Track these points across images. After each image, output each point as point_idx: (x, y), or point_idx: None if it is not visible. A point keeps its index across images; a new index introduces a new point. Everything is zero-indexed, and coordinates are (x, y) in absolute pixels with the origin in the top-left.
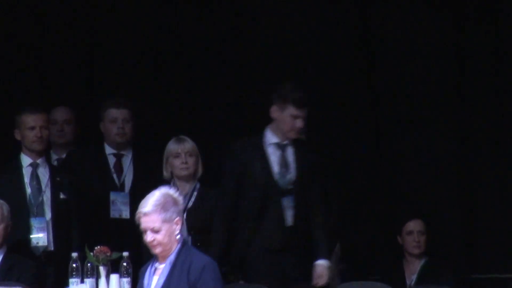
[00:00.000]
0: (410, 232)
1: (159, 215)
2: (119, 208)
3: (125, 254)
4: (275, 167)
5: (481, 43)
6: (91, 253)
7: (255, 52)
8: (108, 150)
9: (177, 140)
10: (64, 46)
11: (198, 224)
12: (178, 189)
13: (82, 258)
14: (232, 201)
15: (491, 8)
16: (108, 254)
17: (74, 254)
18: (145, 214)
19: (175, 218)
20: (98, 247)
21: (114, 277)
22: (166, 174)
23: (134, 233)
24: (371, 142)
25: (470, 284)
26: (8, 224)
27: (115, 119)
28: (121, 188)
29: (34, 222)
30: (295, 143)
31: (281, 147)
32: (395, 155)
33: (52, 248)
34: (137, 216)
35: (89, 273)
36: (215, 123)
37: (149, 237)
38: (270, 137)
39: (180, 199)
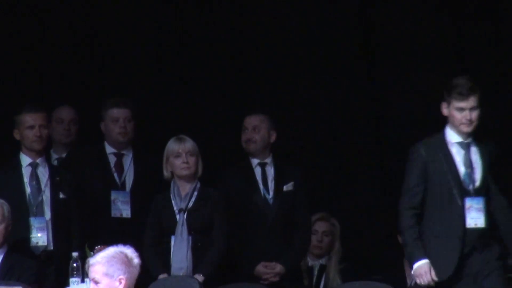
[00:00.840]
0: None
1: (101, 267)
2: (120, 207)
3: None
4: (461, 167)
5: (481, 42)
6: (92, 253)
7: (256, 51)
8: (109, 149)
9: (178, 139)
10: (63, 45)
11: (198, 225)
12: (178, 189)
13: (83, 258)
14: (417, 199)
15: (491, 7)
16: None
17: (75, 254)
18: (91, 264)
19: (118, 276)
20: (99, 246)
21: None
22: (166, 174)
23: (135, 232)
24: (372, 140)
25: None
26: (9, 223)
27: (117, 118)
28: (122, 187)
29: (34, 222)
30: (479, 140)
31: (463, 146)
32: (398, 154)
33: (52, 248)
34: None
35: None
36: (215, 123)
37: (91, 286)
38: (451, 136)
39: (136, 261)
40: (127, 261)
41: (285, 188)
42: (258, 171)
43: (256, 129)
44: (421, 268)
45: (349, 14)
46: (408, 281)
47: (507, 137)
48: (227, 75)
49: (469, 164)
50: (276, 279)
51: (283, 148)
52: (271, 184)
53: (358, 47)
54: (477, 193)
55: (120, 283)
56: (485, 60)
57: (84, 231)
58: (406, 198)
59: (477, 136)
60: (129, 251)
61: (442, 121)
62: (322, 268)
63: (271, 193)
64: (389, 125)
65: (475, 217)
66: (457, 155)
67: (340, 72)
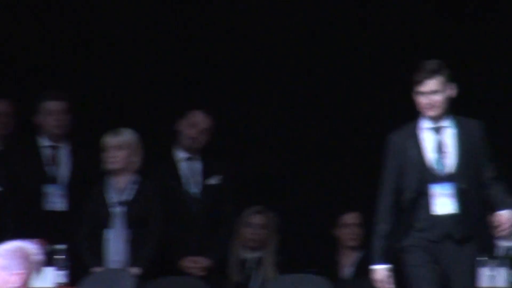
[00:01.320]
0: (346, 225)
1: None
2: (53, 201)
3: (61, 247)
4: (431, 153)
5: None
6: None
7: (194, 45)
8: (44, 142)
9: (109, 133)
10: None
11: (134, 218)
12: (113, 181)
13: None
14: (392, 197)
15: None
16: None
17: None
18: None
19: (14, 270)
20: (33, 240)
21: (49, 270)
22: (103, 166)
23: (70, 226)
24: (316, 136)
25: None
26: None
27: (52, 111)
28: (56, 180)
29: None
30: (460, 123)
31: (435, 130)
32: (337, 151)
33: None
34: None
35: None
36: (157, 115)
37: None
38: (423, 121)
39: (35, 258)
40: (27, 256)
41: (211, 182)
42: (184, 166)
43: (206, 130)
44: (378, 273)
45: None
46: (342, 274)
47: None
48: (169, 68)
49: (440, 149)
50: (203, 273)
51: (214, 143)
52: (197, 178)
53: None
54: (448, 178)
55: (16, 277)
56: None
57: (17, 224)
58: (384, 188)
59: (459, 118)
60: (30, 247)
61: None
62: (257, 261)
63: (197, 187)
64: (335, 120)
65: (444, 203)
66: (428, 140)
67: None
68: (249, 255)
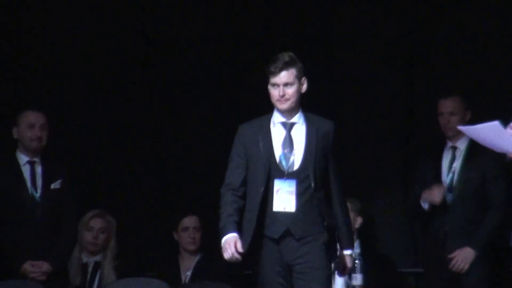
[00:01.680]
0: (186, 228)
1: None
2: None
3: None
4: (278, 148)
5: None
6: None
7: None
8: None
9: None
10: None
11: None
12: None
13: None
14: (237, 180)
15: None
16: None
17: None
18: None
19: None
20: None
21: None
22: None
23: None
24: (146, 139)
25: (243, 280)
26: None
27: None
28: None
29: None
30: (312, 120)
31: (286, 126)
32: (172, 152)
33: None
34: None
35: None
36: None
37: None
38: (276, 115)
39: None
40: None
41: (52, 186)
42: (26, 169)
43: (45, 127)
44: (226, 241)
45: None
46: (183, 277)
47: None
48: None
49: (288, 145)
50: (43, 277)
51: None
52: (39, 182)
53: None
54: (291, 175)
55: None
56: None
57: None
58: (226, 179)
59: (312, 116)
60: None
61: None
62: (97, 265)
63: (39, 191)
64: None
65: (284, 200)
66: (278, 135)
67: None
68: (89, 259)
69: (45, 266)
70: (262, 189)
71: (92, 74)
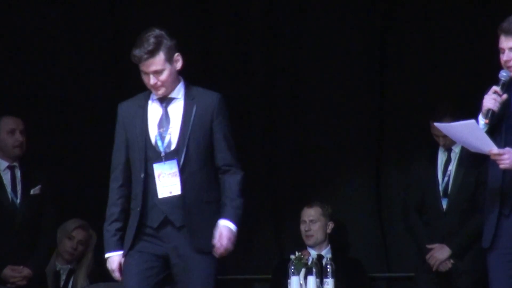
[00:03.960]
0: None
1: None
2: None
3: None
4: (154, 127)
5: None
6: None
7: None
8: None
9: None
10: None
11: None
12: None
13: None
14: (122, 171)
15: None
16: None
17: None
18: None
19: None
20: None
21: None
22: None
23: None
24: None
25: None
26: None
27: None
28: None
29: None
30: (191, 94)
31: (164, 102)
32: None
33: None
34: None
35: None
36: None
37: None
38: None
39: None
40: None
41: (32, 191)
42: (6, 174)
43: (23, 132)
44: (109, 263)
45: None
46: None
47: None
48: None
49: (164, 123)
50: (24, 282)
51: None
52: (18, 188)
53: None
54: (170, 156)
55: None
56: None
57: None
58: (111, 166)
59: (195, 89)
60: None
61: None
62: (70, 272)
63: (19, 196)
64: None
65: (168, 184)
66: (154, 113)
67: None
68: (63, 266)
69: (25, 271)
70: (142, 175)
71: (68, 77)
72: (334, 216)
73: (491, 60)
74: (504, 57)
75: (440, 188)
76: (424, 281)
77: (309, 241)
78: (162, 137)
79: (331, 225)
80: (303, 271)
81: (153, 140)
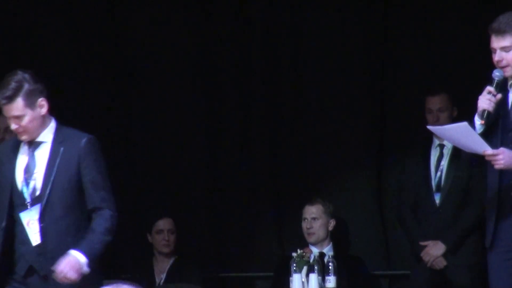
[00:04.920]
0: (160, 231)
1: None
2: None
3: None
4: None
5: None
6: None
7: None
8: None
9: None
10: None
11: None
12: None
13: None
14: None
15: None
16: None
17: None
18: None
19: None
20: None
21: None
22: None
23: None
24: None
25: (217, 282)
26: None
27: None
28: None
29: None
30: (60, 136)
31: (31, 145)
32: (145, 153)
33: None
34: None
35: None
36: None
37: None
38: None
39: None
40: None
41: None
42: None
43: (6, 130)
44: None
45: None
46: (157, 280)
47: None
48: None
49: (30, 168)
50: None
51: None
52: None
53: None
54: (36, 202)
55: None
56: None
57: None
58: None
59: (66, 131)
60: None
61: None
62: None
63: None
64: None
65: (30, 232)
66: (23, 157)
67: None
68: None
69: None
70: (4, 223)
71: (68, 80)
72: (335, 213)
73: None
74: (495, 57)
75: (433, 183)
76: (419, 278)
77: (311, 239)
78: (27, 183)
79: (332, 223)
80: (305, 268)
81: (19, 186)
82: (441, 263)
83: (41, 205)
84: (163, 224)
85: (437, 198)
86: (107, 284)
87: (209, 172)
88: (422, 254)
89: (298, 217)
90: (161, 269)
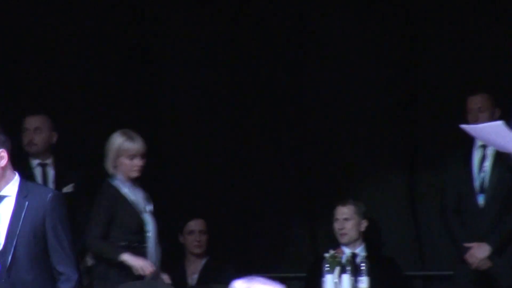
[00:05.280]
0: (192, 232)
1: None
2: None
3: None
4: None
5: None
6: None
7: None
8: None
9: (130, 137)
10: None
11: None
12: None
13: None
14: None
15: None
16: None
17: None
18: None
19: None
20: None
21: None
22: (112, 170)
23: None
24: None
25: None
26: None
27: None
28: None
29: None
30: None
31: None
32: (173, 156)
33: None
34: None
35: None
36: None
37: None
38: None
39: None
40: None
41: (64, 189)
42: (38, 172)
43: (41, 130)
44: None
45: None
46: (189, 281)
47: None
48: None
49: None
50: None
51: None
52: (51, 186)
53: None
54: (1, 256)
55: None
56: None
57: None
58: None
59: (30, 186)
60: None
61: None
62: None
63: None
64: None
65: None
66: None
67: None
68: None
69: None
70: None
71: (95, 77)
72: (367, 214)
73: None
74: None
75: (476, 184)
76: (464, 280)
77: (343, 239)
78: None
79: (364, 223)
80: (337, 269)
81: None
82: (486, 265)
83: (6, 259)
84: (195, 225)
85: (481, 199)
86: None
87: (240, 173)
88: (466, 256)
89: (330, 218)
90: (193, 270)
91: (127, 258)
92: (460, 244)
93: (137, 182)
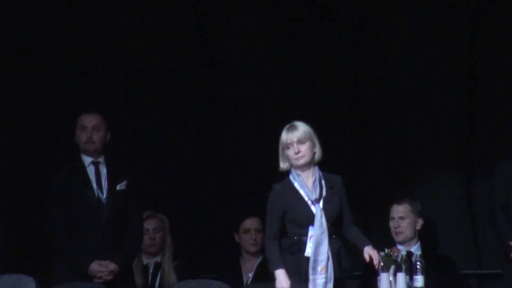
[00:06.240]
0: (247, 230)
1: None
2: None
3: None
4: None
5: None
6: None
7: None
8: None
9: (289, 128)
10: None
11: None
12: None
13: None
14: None
15: None
16: None
17: None
18: None
19: None
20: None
21: None
22: (283, 165)
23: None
24: (209, 140)
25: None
26: None
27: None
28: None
29: None
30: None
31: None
32: (230, 153)
33: None
34: None
35: None
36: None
37: None
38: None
39: None
40: None
41: (118, 187)
42: (91, 170)
43: (99, 129)
44: None
45: None
46: (245, 279)
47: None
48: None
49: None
50: (110, 277)
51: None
52: (104, 183)
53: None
54: None
55: None
56: None
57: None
58: None
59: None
60: None
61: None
62: (157, 266)
63: (105, 192)
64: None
65: None
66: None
67: None
68: (149, 260)
69: (111, 266)
70: None
71: (153, 76)
72: (423, 213)
73: None
74: None
75: None
76: (511, 278)
77: (399, 238)
78: None
79: (420, 222)
80: (392, 267)
81: None
82: None
83: None
84: (250, 223)
85: None
86: None
87: None
88: None
89: (385, 216)
90: (249, 268)
91: (279, 274)
92: (507, 242)
93: None
